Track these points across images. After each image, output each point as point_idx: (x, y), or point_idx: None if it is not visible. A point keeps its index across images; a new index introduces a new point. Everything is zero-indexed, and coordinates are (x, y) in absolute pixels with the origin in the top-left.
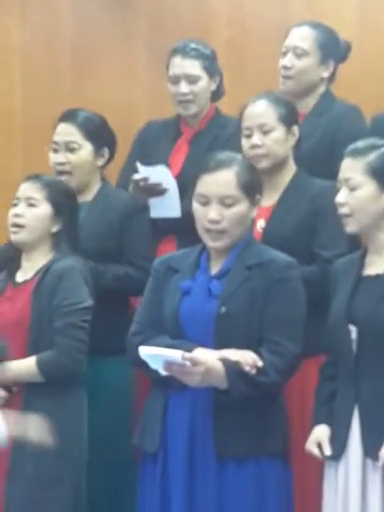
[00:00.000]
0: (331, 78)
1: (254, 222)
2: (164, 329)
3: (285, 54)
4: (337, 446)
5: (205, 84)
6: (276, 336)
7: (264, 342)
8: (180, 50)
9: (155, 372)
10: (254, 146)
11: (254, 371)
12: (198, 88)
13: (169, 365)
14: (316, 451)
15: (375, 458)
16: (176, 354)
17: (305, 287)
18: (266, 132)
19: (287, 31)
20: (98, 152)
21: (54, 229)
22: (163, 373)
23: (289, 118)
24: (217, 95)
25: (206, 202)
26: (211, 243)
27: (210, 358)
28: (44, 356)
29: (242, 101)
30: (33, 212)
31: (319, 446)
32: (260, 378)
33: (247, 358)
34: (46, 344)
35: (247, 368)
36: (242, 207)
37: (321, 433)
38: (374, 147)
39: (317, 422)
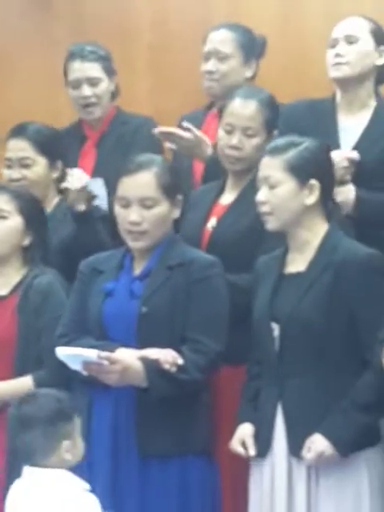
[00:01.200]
0: (253, 76)
1: (206, 218)
2: (89, 330)
3: (207, 58)
4: (261, 444)
5: (106, 85)
6: (197, 334)
7: (186, 340)
8: (77, 53)
9: (78, 371)
10: (232, 147)
11: (174, 369)
12: (100, 90)
13: (87, 364)
14: (240, 450)
15: (300, 456)
16: (92, 354)
17: (242, 295)
18: (249, 136)
19: (205, 35)
20: (52, 165)
21: (26, 242)
22: (84, 373)
23: (273, 123)
24: (114, 95)
25: (126, 204)
26: (132, 244)
27: (128, 356)
28: (40, 375)
29: (164, 104)
30: (4, 224)
31: (244, 444)
32: (180, 375)
33: (167, 357)
34: (32, 363)
35: (167, 366)
36: (162, 208)
37: (245, 431)
38: (292, 144)
39: (241, 420)
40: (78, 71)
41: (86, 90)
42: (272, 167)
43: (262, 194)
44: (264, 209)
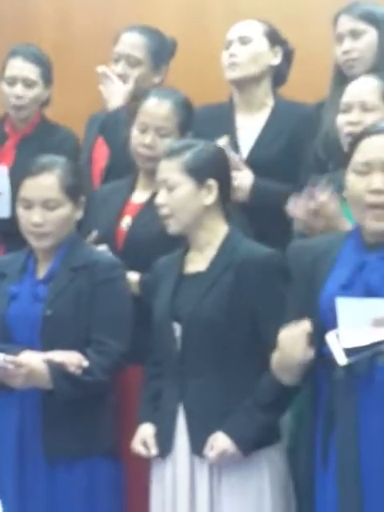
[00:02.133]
0: (161, 82)
1: (119, 217)
2: None
3: (117, 61)
4: (163, 444)
5: (40, 91)
6: (101, 336)
7: (90, 342)
8: (21, 52)
9: None
10: (145, 146)
11: (79, 371)
12: (33, 93)
13: None
14: (142, 450)
15: (202, 454)
16: None
17: None
18: (163, 136)
19: (117, 36)
20: None
21: None
22: None
23: (187, 124)
24: (45, 103)
25: (28, 206)
26: (35, 243)
27: (33, 359)
28: None
29: (70, 105)
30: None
31: (146, 444)
32: (85, 377)
33: (72, 359)
34: None
35: (72, 368)
36: (65, 210)
37: (146, 431)
38: (188, 146)
39: (142, 420)
40: (16, 69)
41: (20, 90)
42: (169, 170)
43: (160, 197)
44: (164, 211)
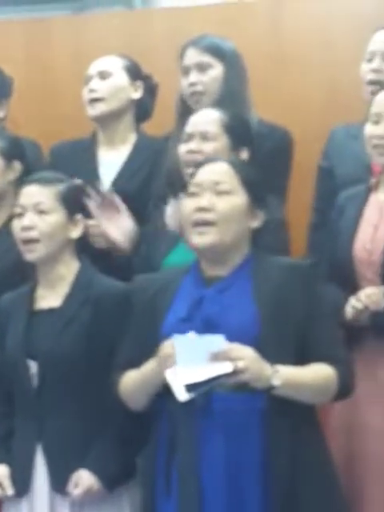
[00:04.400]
0: (4, 118)
1: None
2: None
3: None
4: (20, 483)
5: None
6: None
7: None
8: None
9: None
10: None
11: None
12: None
13: None
14: None
15: (64, 492)
16: None
17: None
18: None
19: None
20: None
21: None
22: None
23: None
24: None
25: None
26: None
27: None
28: None
29: None
30: None
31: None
32: None
33: None
34: None
35: None
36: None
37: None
38: (61, 178)
39: None
40: None
41: None
42: (43, 195)
43: (28, 220)
44: (32, 235)
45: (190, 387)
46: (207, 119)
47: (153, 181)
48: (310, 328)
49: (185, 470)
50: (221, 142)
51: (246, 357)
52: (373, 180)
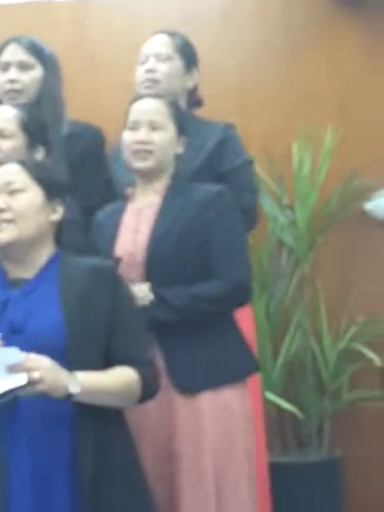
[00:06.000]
0: None
1: None
2: None
3: None
4: None
5: None
6: None
7: None
8: None
9: None
10: None
11: None
12: None
13: None
14: None
15: None
16: None
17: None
18: None
19: None
20: None
21: None
22: None
23: None
24: None
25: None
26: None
27: None
28: None
29: None
30: None
31: None
32: None
33: None
34: None
35: None
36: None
37: None
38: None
39: None
40: None
41: None
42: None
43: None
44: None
45: None
46: (4, 116)
47: None
48: (114, 330)
49: None
50: (18, 140)
51: (41, 367)
52: (129, 189)
